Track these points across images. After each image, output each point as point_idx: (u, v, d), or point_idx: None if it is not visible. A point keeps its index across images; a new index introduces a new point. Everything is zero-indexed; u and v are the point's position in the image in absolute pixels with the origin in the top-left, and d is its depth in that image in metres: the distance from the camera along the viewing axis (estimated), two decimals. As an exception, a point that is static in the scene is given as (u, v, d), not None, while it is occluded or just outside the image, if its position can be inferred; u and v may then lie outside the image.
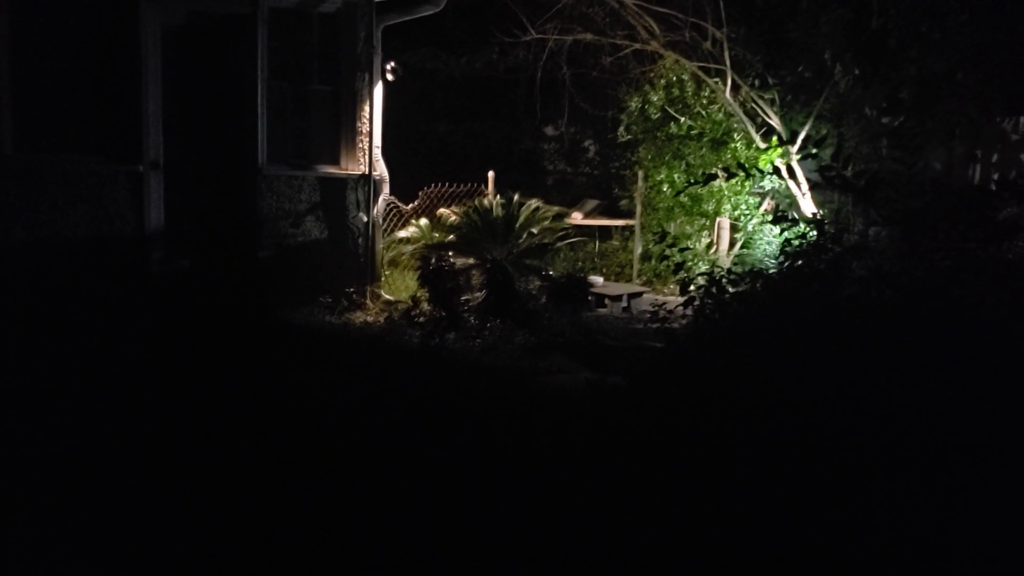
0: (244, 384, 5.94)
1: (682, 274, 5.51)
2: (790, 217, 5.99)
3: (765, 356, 4.74)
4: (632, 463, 4.41)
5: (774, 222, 6.15)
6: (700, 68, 10.76)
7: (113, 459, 4.48)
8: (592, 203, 12.12)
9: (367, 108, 9.05)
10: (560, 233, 8.65)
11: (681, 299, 5.33)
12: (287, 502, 4.02)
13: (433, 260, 8.27)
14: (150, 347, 6.74)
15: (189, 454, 4.59)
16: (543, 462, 4.59)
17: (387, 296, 8.99)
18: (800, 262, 5.76)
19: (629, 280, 11.07)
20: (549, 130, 15.39)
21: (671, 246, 5.38)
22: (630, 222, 11.41)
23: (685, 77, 10.83)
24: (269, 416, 5.30)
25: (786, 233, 6.19)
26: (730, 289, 5.37)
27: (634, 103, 11.11)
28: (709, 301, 5.44)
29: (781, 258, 5.89)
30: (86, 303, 7.28)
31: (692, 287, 5.28)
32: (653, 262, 11.12)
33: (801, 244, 5.82)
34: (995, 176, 11.88)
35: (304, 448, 4.75)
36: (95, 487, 4.11)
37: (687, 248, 5.76)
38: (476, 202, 8.73)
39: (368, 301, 8.83)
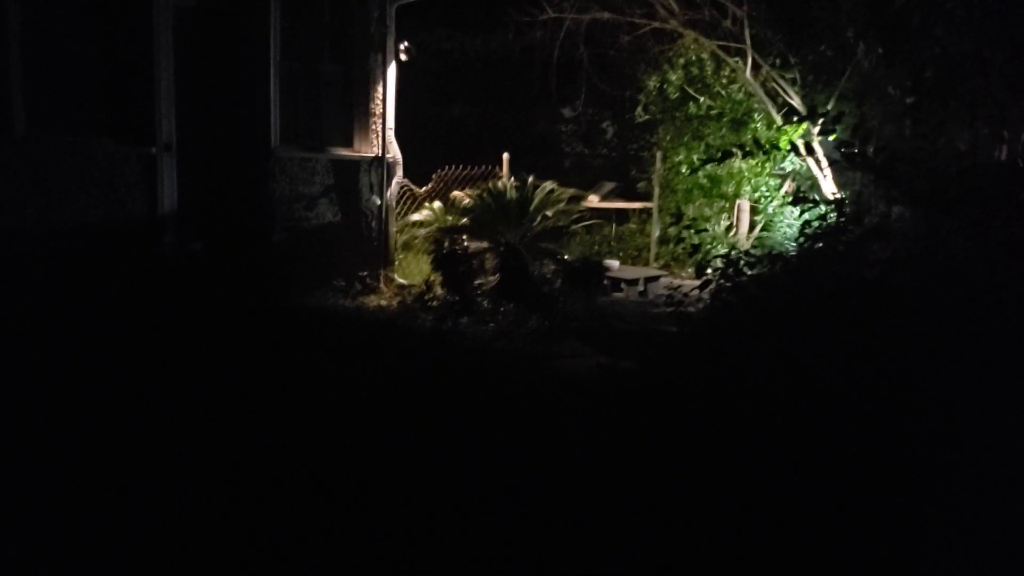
0: (256, 369, 5.89)
1: (698, 256, 5.37)
2: (811, 199, 5.85)
3: (781, 340, 4.62)
4: (641, 449, 4.32)
5: (794, 203, 6.00)
6: (720, 47, 10.57)
7: (123, 446, 4.43)
8: (609, 185, 11.97)
9: (380, 89, 8.94)
10: (575, 216, 8.52)
11: (697, 282, 5.23)
12: (295, 489, 3.96)
13: (446, 244, 8.18)
14: (163, 331, 6.71)
15: (199, 439, 4.54)
16: (554, 448, 4.51)
17: (400, 280, 8.91)
18: (820, 244, 5.64)
19: (646, 264, 10.93)
20: (566, 112, 15.21)
21: (687, 227, 5.25)
22: (647, 204, 11.27)
23: (704, 56, 10.64)
24: (282, 401, 5.24)
25: (806, 215, 6.08)
26: (747, 271, 5.26)
27: (652, 83, 10.93)
28: (727, 284, 5.32)
29: (800, 239, 5.77)
30: (98, 286, 7.25)
31: (709, 270, 5.17)
32: (671, 245, 10.96)
33: (821, 225, 5.68)
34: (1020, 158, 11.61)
35: (314, 434, 4.69)
36: (108, 474, 4.07)
37: (704, 230, 5.60)
38: (490, 184, 8.62)
39: (381, 285, 8.76)
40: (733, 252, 5.27)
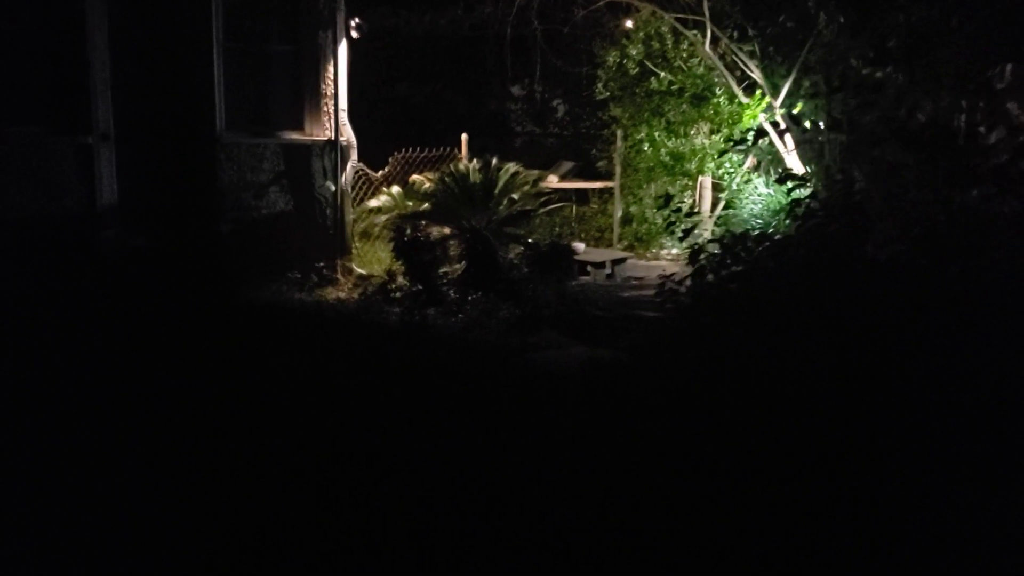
0: (204, 374, 5.43)
1: (689, 241, 5.09)
2: (800, 176, 5.60)
3: (788, 328, 4.36)
4: (640, 455, 4.01)
5: (779, 181, 5.78)
6: (677, 19, 10.29)
7: (50, 463, 3.98)
8: (567, 165, 11.65)
9: (331, 69, 8.46)
10: (543, 199, 8.17)
11: (665, 264, 4.95)
12: (251, 504, 3.57)
13: (408, 230, 7.78)
14: (102, 333, 6.19)
15: (136, 454, 4.11)
16: (543, 454, 4.17)
17: (360, 270, 8.49)
18: (811, 223, 5.40)
19: (610, 245, 10.66)
20: (516, 90, 14.84)
21: (676, 211, 4.96)
22: (608, 184, 10.98)
23: (664, 30, 10.34)
24: (234, 409, 4.82)
25: (794, 193, 5.82)
26: (742, 256, 4.99)
27: (612, 58, 10.61)
28: (723, 272, 5.05)
29: (788, 220, 5.52)
30: (28, 288, 6.69)
31: (702, 256, 4.88)
32: (634, 225, 10.72)
33: (809, 205, 5.45)
34: (981, 127, 11.60)
35: (275, 442, 4.29)
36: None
37: (695, 212, 5.32)
38: (452, 167, 8.23)
39: (340, 276, 8.32)
40: (716, 232, 5.01)
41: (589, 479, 3.79)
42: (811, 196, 5.56)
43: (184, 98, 7.74)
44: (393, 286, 7.78)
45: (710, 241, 4.91)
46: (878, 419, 3.72)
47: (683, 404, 4.20)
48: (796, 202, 5.41)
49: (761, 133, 9.79)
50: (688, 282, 5.38)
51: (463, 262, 7.76)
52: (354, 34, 8.52)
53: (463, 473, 3.93)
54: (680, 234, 5.12)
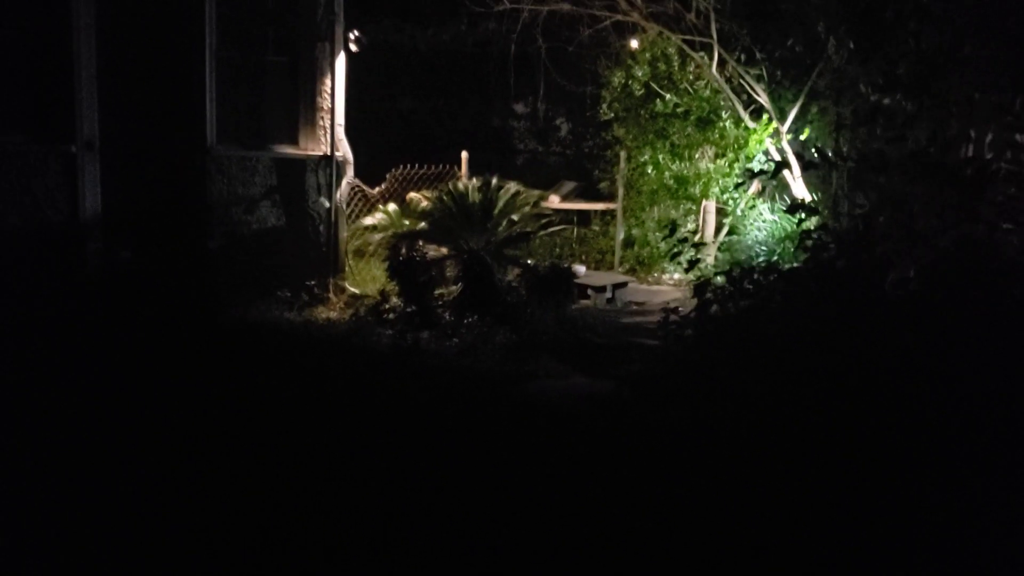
0: (187, 399, 5.16)
1: (695, 272, 4.83)
2: (809, 206, 5.36)
3: (798, 373, 4.09)
4: (645, 503, 3.73)
5: (789, 211, 5.52)
6: (684, 41, 10.09)
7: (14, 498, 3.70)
8: (569, 185, 11.41)
9: (328, 82, 8.22)
10: (544, 221, 7.91)
11: (667, 288, 4.70)
12: (231, 545, 3.29)
13: (403, 250, 7.51)
14: (84, 352, 5.92)
15: (118, 482, 3.83)
16: (535, 499, 3.89)
17: (353, 289, 8.21)
18: (822, 256, 5.15)
19: (610, 268, 10.40)
20: (519, 107, 14.66)
21: (683, 241, 4.70)
22: (611, 206, 10.72)
23: (671, 51, 10.13)
24: (217, 439, 4.54)
25: (804, 224, 5.58)
26: (749, 290, 4.74)
27: (617, 78, 10.39)
28: (729, 305, 4.80)
29: (797, 251, 5.27)
30: (9, 301, 6.42)
31: (709, 291, 4.62)
32: (636, 248, 10.46)
33: (821, 237, 5.20)
34: (988, 156, 11.39)
35: (256, 475, 4.01)
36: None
37: (685, 240, 5.05)
38: (450, 186, 7.97)
39: (331, 295, 8.04)
40: (720, 258, 4.76)
41: (588, 533, 3.51)
42: (821, 227, 5.31)
43: (174, 107, 7.49)
44: (386, 307, 7.51)
45: (717, 273, 4.65)
46: (898, 472, 3.45)
47: (687, 452, 3.92)
48: (806, 233, 5.16)
49: (782, 165, 9.59)
50: (692, 314, 5.12)
51: (460, 284, 7.49)
52: (353, 47, 8.28)
53: (452, 523, 3.65)
54: (685, 264, 4.84)
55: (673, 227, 4.65)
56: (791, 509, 3.35)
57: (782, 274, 5.08)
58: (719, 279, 4.61)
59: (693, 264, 4.81)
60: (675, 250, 4.67)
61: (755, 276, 4.86)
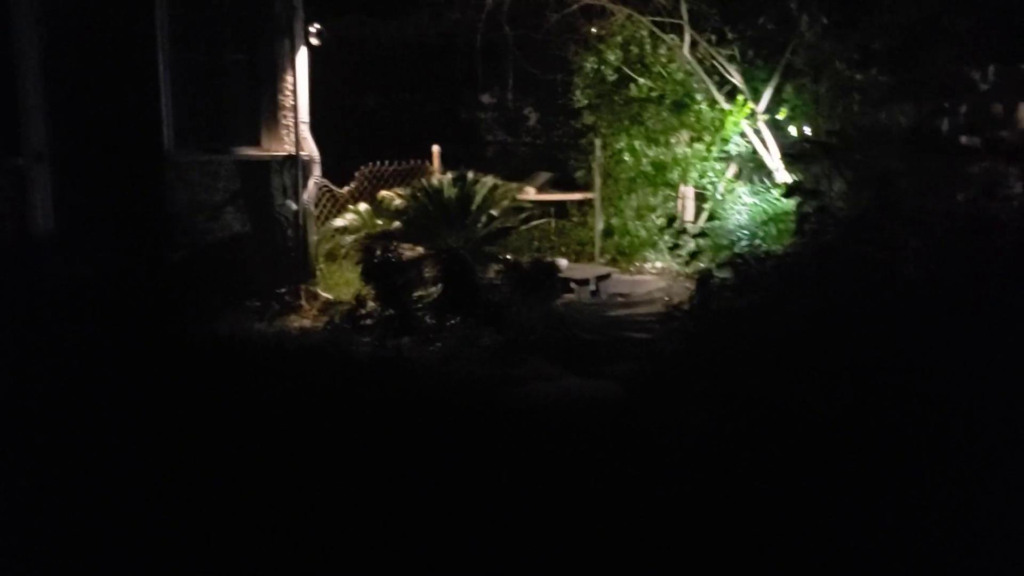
0: (149, 424, 4.78)
1: (696, 263, 4.58)
2: (814, 189, 5.12)
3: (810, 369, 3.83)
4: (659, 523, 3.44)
5: (787, 195, 5.27)
6: (654, 23, 9.83)
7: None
8: (544, 176, 11.11)
9: (290, 79, 7.84)
10: (523, 215, 7.60)
11: (649, 278, 4.45)
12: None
13: (378, 251, 7.17)
14: (39, 377, 5.51)
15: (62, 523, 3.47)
16: (532, 523, 3.57)
17: (326, 295, 7.86)
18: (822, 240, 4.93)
19: (591, 259, 10.12)
20: (486, 98, 14.31)
21: (681, 232, 4.44)
22: (588, 195, 10.44)
23: (644, 33, 9.86)
24: (183, 468, 4.18)
25: (803, 207, 5.35)
26: (756, 280, 4.48)
27: (589, 64, 10.10)
28: (728, 295, 4.53)
29: (797, 236, 5.04)
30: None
31: (715, 275, 4.36)
32: (616, 238, 10.19)
33: (820, 220, 4.97)
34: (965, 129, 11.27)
35: (223, 511, 3.67)
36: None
37: (685, 231, 4.78)
38: (424, 182, 7.64)
39: (304, 302, 7.68)
40: (701, 244, 4.55)
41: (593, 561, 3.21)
42: (819, 210, 5.07)
43: (128, 112, 7.06)
44: (363, 312, 7.16)
45: (720, 264, 4.38)
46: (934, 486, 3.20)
47: (699, 464, 3.64)
48: (804, 216, 4.92)
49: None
50: (687, 306, 4.86)
51: (439, 285, 7.17)
52: (314, 41, 7.90)
53: (445, 552, 3.34)
54: (686, 256, 4.59)
55: (671, 220, 4.39)
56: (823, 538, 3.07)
57: (779, 259, 4.84)
58: (720, 272, 4.34)
59: (694, 255, 4.54)
60: (676, 242, 4.40)
61: (765, 267, 4.61)
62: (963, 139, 9.93)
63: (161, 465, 4.18)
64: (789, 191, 4.70)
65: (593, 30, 10.26)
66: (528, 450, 4.40)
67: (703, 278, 4.14)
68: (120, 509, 3.73)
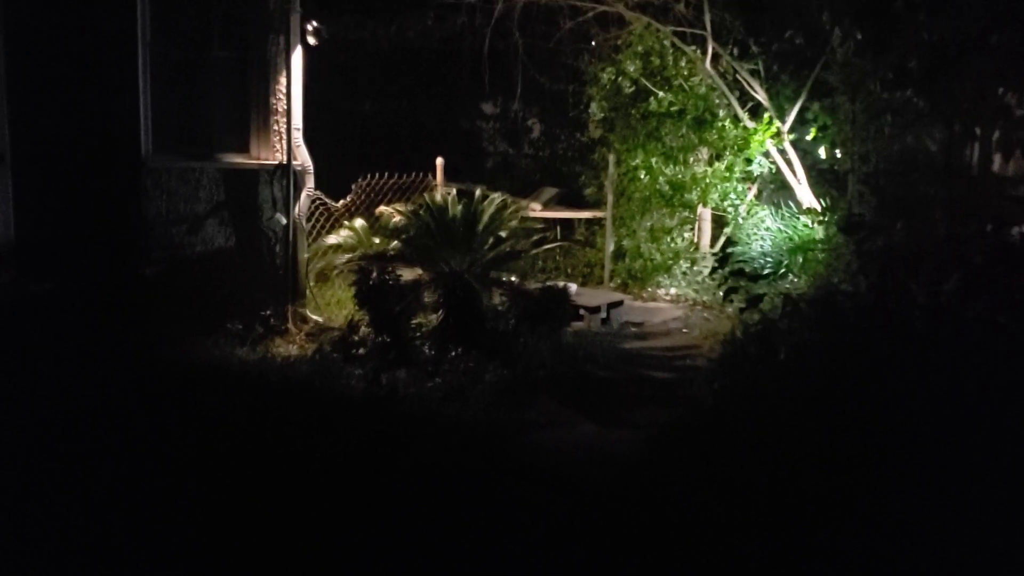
0: (107, 474, 4.12)
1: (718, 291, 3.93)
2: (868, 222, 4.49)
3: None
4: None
5: (847, 231, 4.62)
6: (675, 33, 9.22)
7: None
8: (550, 191, 10.46)
9: (283, 80, 7.19)
10: (535, 237, 6.94)
11: (664, 306, 3.82)
12: None
13: (374, 273, 6.49)
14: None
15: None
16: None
17: (316, 318, 7.19)
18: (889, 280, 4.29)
19: (600, 283, 9.47)
20: (488, 108, 13.71)
21: (736, 274, 3.79)
22: (598, 214, 9.79)
23: (665, 43, 9.24)
24: (142, 530, 3.52)
25: (865, 245, 4.72)
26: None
27: (606, 75, 9.46)
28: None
29: (859, 277, 4.40)
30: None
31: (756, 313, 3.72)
32: (627, 261, 9.54)
33: (883, 258, 4.33)
34: (995, 156, 10.71)
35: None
36: None
37: (742, 271, 4.14)
38: (427, 198, 6.97)
39: (291, 326, 7.01)
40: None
41: None
42: (886, 248, 4.43)
43: (102, 112, 6.41)
44: (355, 339, 6.50)
45: (787, 298, 3.74)
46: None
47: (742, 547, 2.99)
48: (866, 254, 4.28)
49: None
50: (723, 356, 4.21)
51: (440, 312, 6.51)
52: (311, 40, 7.24)
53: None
54: (743, 303, 3.94)
55: (724, 258, 3.75)
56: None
57: (834, 304, 4.18)
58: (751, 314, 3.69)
59: (755, 301, 3.89)
60: (730, 285, 3.77)
61: (805, 308, 3.97)
62: (995, 166, 9.40)
63: (90, 537, 3.51)
64: (849, 227, 4.05)
65: (600, 40, 9.68)
66: (539, 520, 3.75)
67: (765, 328, 3.49)
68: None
